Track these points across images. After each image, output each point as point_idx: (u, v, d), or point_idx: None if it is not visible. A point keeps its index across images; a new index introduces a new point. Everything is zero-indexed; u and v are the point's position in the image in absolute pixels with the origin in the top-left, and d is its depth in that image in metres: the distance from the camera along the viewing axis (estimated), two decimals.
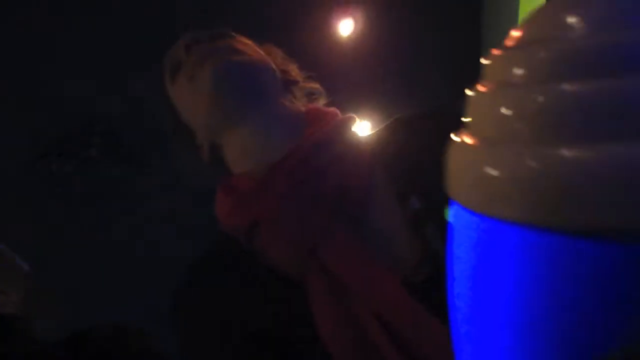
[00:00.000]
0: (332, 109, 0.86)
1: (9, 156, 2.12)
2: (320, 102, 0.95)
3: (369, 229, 0.73)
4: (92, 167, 2.32)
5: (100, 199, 2.40)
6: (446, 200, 0.67)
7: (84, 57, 1.95)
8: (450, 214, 0.32)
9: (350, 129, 0.82)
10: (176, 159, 2.32)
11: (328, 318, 0.65)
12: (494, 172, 0.26)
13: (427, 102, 2.30)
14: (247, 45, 0.88)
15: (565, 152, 0.24)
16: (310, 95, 0.94)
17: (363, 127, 0.98)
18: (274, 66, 0.89)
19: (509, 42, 0.29)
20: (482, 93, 0.29)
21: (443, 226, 0.65)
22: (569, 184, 0.24)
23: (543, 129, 0.25)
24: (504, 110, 0.27)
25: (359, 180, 0.76)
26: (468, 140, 0.29)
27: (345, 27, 2.22)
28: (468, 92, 0.30)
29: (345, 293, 0.66)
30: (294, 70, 0.95)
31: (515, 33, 0.29)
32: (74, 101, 2.07)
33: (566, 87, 0.25)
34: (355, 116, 0.83)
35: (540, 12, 0.29)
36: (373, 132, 0.86)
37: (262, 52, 0.90)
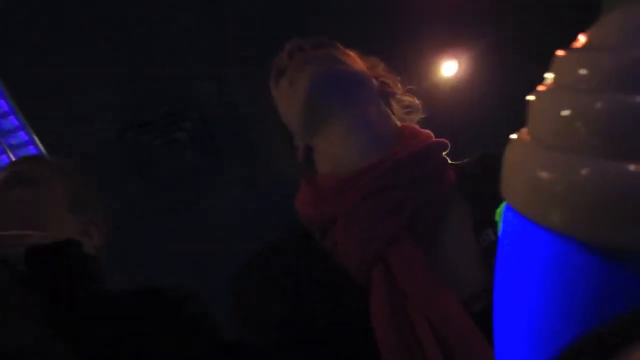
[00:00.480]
0: (427, 131, 0.88)
1: (103, 119, 2.23)
2: (417, 117, 0.98)
3: (439, 250, 0.74)
4: (177, 150, 2.41)
5: (177, 181, 2.49)
6: None
7: (198, 44, 2.04)
8: (502, 211, 0.32)
9: (441, 152, 0.84)
10: (267, 158, 2.40)
11: (383, 312, 0.66)
12: (545, 175, 0.26)
13: None
14: (348, 56, 0.92)
15: (623, 167, 0.23)
16: (407, 109, 0.98)
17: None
18: (372, 78, 0.92)
19: (577, 44, 0.29)
20: (544, 92, 0.29)
21: None
22: (617, 200, 0.23)
23: (602, 139, 0.24)
24: (564, 113, 0.26)
25: (437, 202, 0.77)
26: (525, 140, 0.28)
27: (449, 68, 2.24)
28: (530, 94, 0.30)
29: (403, 297, 0.67)
30: (394, 83, 0.98)
31: (585, 36, 0.29)
32: (178, 83, 2.17)
33: (634, 99, 0.24)
34: (448, 142, 0.85)
35: (614, 17, 0.28)
36: (462, 161, 0.87)
37: (362, 63, 0.94)
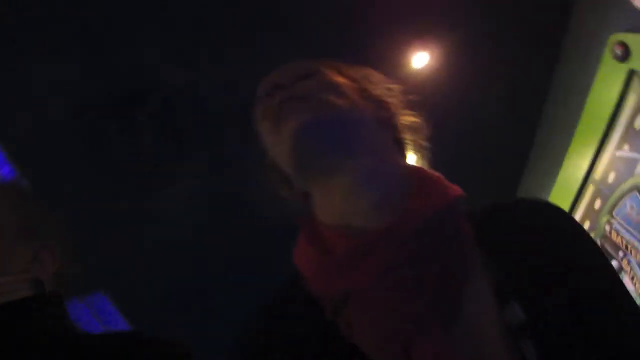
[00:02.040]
0: (438, 175, 0.75)
1: (58, 98, 2.09)
2: (421, 136, 0.87)
3: (461, 331, 0.61)
4: (136, 135, 2.29)
5: (134, 167, 2.37)
6: (558, 313, 0.58)
7: (168, 23, 1.94)
8: None
9: (460, 210, 0.71)
10: (233, 149, 2.31)
11: None
12: None
13: (489, 143, 2.28)
14: (335, 85, 0.79)
15: None
16: (411, 129, 0.86)
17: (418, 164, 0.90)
18: (366, 109, 0.79)
19: None
20: None
21: (544, 344, 0.57)
22: None
23: None
24: None
25: (460, 273, 0.64)
26: None
27: (420, 60, 2.21)
28: None
29: None
30: (394, 98, 0.85)
31: None
32: (143, 63, 2.06)
33: None
34: (463, 192, 0.73)
35: None
36: (468, 214, 0.73)
37: (352, 86, 0.81)
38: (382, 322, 0.62)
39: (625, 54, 1.76)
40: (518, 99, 2.28)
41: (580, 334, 0.59)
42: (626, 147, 1.84)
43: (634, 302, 0.65)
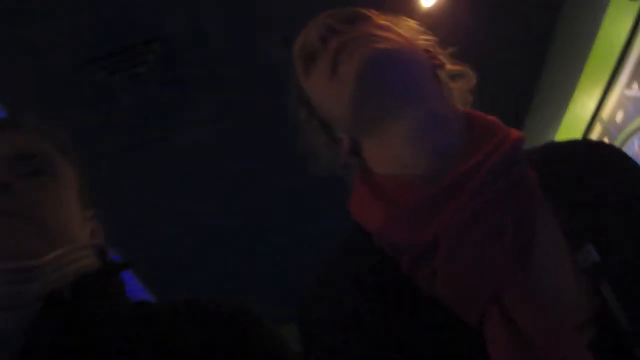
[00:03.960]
0: (494, 118, 0.73)
1: (58, 56, 2.06)
2: (468, 86, 0.83)
3: (537, 278, 0.60)
4: (139, 85, 2.26)
5: (140, 118, 2.36)
6: (632, 250, 0.58)
7: None
8: None
9: (523, 151, 0.69)
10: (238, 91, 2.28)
11: None
12: None
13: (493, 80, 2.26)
14: (388, 29, 0.76)
15: None
16: (457, 78, 0.83)
17: None
18: (422, 51, 0.78)
19: None
20: None
21: (625, 286, 0.57)
22: None
23: None
24: None
25: (530, 216, 0.63)
26: None
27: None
28: None
29: (528, 346, 0.56)
30: (436, 50, 0.82)
31: None
32: (140, 15, 2.01)
33: None
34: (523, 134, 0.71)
35: None
36: (528, 152, 0.72)
37: (404, 33, 0.79)
38: (472, 269, 0.59)
39: None
40: (525, 37, 2.25)
41: None
42: (635, 86, 1.84)
43: None
